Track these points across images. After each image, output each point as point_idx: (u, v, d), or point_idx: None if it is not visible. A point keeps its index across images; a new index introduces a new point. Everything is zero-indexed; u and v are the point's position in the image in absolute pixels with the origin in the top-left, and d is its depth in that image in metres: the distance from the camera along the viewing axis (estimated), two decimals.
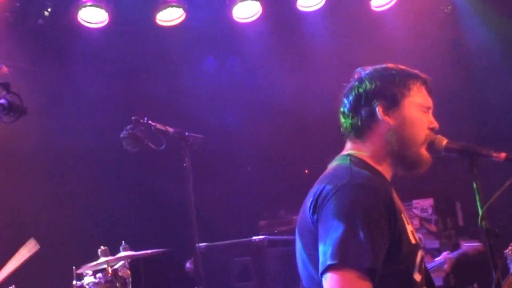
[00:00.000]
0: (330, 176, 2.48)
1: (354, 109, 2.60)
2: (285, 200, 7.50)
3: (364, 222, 2.25)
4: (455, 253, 7.18)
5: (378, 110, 2.55)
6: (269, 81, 8.09)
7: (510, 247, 5.63)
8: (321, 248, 2.29)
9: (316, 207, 2.39)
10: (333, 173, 2.51)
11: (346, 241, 2.22)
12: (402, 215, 2.44)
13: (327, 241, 2.27)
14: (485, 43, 7.49)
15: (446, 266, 7.10)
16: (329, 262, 2.23)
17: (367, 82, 2.59)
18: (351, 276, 2.21)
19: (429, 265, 6.59)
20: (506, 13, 7.32)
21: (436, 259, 7.20)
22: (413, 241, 2.44)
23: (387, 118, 2.54)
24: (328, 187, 2.38)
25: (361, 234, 2.23)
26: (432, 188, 8.05)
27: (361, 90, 2.59)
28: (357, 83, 2.62)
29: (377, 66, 2.66)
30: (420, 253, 2.46)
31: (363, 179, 2.38)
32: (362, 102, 2.58)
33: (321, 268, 2.26)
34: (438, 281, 7.22)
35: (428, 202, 8.17)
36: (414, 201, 8.11)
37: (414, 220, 8.15)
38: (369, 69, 2.66)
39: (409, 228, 2.45)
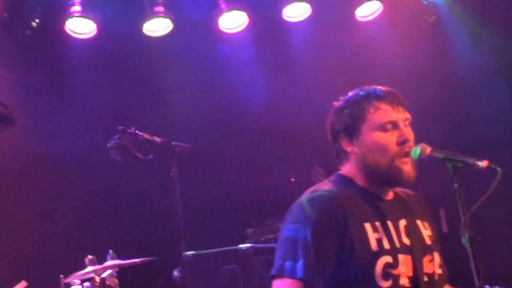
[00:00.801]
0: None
1: (332, 141, 2.86)
2: (272, 208, 7.51)
3: (304, 237, 2.55)
4: None
5: (343, 143, 2.78)
6: (255, 90, 8.11)
7: None
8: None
9: None
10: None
11: (286, 254, 2.58)
12: (367, 224, 2.62)
13: (276, 255, 2.63)
14: (469, 52, 7.54)
15: None
16: (272, 273, 2.60)
17: (331, 118, 2.85)
18: (285, 283, 2.54)
19: None
20: (489, 22, 7.39)
21: None
22: (375, 248, 2.57)
23: (351, 149, 2.77)
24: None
25: (299, 248, 2.54)
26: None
27: (330, 125, 2.86)
28: (329, 117, 2.87)
29: (343, 98, 2.86)
30: (383, 260, 2.57)
31: (313, 195, 2.68)
32: (333, 137, 2.84)
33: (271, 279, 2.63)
34: None
35: None
36: None
37: None
38: (337, 102, 2.87)
39: (374, 235, 2.60)
